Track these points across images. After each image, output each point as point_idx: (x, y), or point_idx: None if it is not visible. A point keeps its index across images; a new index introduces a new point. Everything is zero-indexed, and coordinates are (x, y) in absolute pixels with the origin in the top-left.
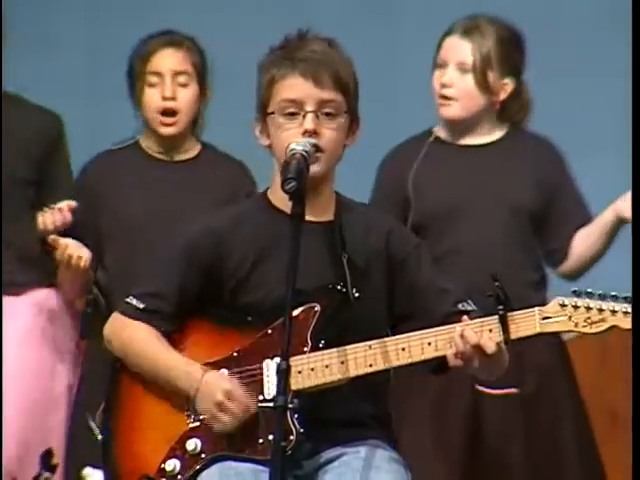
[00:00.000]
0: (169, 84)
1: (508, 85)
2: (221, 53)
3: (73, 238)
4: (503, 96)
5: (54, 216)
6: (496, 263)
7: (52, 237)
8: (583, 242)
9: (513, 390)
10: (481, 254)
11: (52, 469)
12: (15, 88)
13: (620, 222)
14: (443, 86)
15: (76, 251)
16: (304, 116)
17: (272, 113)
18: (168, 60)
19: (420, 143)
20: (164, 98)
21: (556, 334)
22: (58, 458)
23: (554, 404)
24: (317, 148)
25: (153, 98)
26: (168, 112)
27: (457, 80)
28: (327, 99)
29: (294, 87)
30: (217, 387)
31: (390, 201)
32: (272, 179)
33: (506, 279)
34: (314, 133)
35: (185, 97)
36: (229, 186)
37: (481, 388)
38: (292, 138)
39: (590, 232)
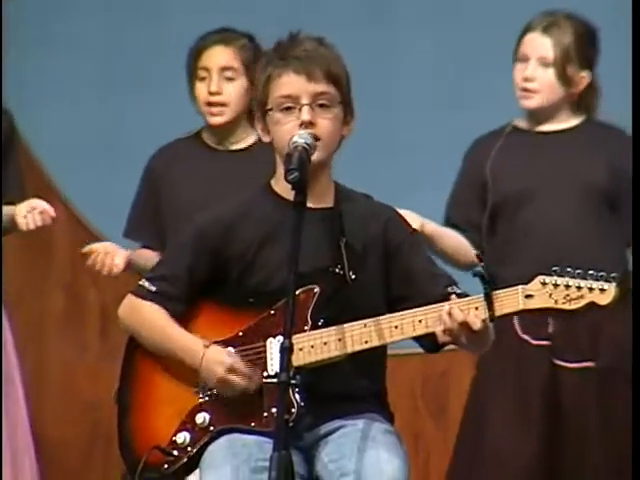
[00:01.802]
0: (215, 79)
1: (585, 78)
2: None
3: (145, 225)
4: (580, 88)
5: (35, 217)
6: (570, 241)
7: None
8: None
9: (589, 364)
10: (554, 232)
11: None
12: (28, 88)
13: None
14: (526, 80)
15: (110, 258)
16: (300, 109)
17: (270, 110)
18: (216, 57)
19: (499, 134)
20: (210, 92)
21: (542, 310)
22: None
23: (628, 379)
24: (315, 137)
25: (202, 92)
26: (214, 104)
27: (539, 74)
28: (320, 92)
29: (289, 83)
30: (218, 363)
31: (471, 187)
32: (275, 170)
33: (583, 254)
34: (310, 124)
35: (231, 90)
36: None
37: (559, 362)
38: (291, 131)
39: None
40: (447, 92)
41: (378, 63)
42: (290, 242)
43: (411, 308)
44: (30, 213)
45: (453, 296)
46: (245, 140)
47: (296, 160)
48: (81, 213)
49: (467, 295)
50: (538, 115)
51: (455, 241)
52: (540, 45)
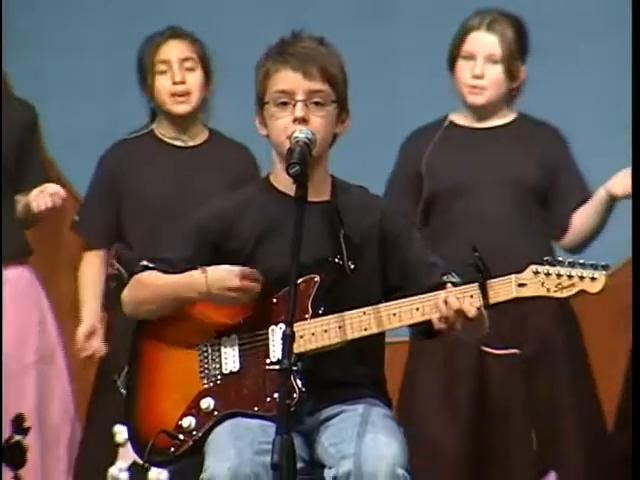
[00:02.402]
0: (177, 70)
1: (524, 72)
2: (228, 51)
3: (95, 223)
4: (520, 83)
5: (45, 199)
6: (499, 234)
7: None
8: (581, 218)
9: (514, 351)
10: (485, 226)
11: (24, 432)
12: (36, 87)
13: (612, 199)
14: (475, 77)
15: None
16: (294, 105)
17: (267, 103)
18: (174, 49)
19: (436, 128)
20: (174, 83)
21: (533, 298)
22: (30, 422)
23: (552, 368)
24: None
25: (164, 84)
26: (179, 94)
27: (487, 71)
28: (315, 89)
29: (285, 79)
30: (227, 277)
31: (407, 179)
32: (273, 165)
33: (509, 248)
34: (303, 120)
35: (193, 79)
36: (237, 168)
37: (486, 348)
38: (285, 125)
39: (586, 209)
40: (447, 89)
41: (379, 61)
42: (292, 234)
43: (408, 296)
44: (40, 195)
45: (449, 285)
46: (200, 136)
47: (297, 154)
48: None
49: (463, 284)
50: (482, 111)
51: None
52: (487, 43)
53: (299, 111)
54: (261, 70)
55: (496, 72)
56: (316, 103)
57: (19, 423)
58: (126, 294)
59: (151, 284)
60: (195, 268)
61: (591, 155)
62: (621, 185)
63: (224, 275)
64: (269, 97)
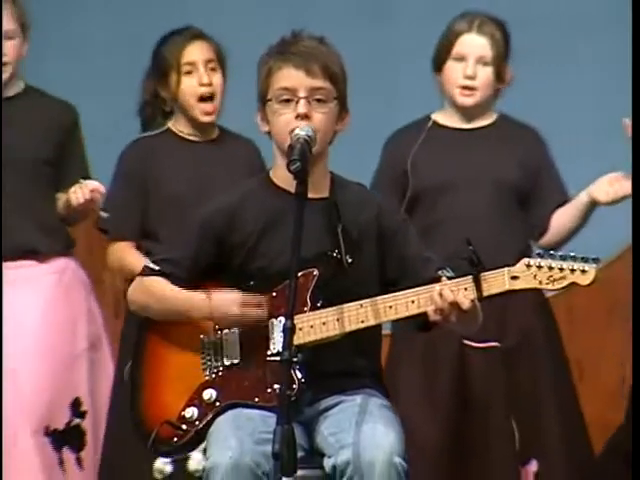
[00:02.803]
0: (203, 71)
1: (509, 74)
2: (228, 50)
3: (125, 220)
4: (505, 84)
5: (84, 191)
6: (481, 232)
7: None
8: (560, 220)
9: (494, 344)
10: (467, 224)
11: (81, 415)
12: (50, 82)
13: (593, 204)
14: (467, 78)
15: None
16: (297, 102)
17: (269, 100)
18: (198, 51)
19: (419, 127)
20: (201, 84)
21: (525, 291)
22: (86, 406)
23: (533, 360)
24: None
25: (190, 85)
26: (205, 97)
27: (478, 72)
28: (317, 87)
29: (288, 77)
30: (229, 303)
31: (391, 177)
32: (273, 161)
33: (490, 246)
34: (306, 117)
35: (218, 81)
36: (247, 160)
37: (466, 341)
38: (288, 122)
39: (566, 211)
40: None
41: (379, 61)
42: (293, 230)
43: (404, 290)
44: (80, 189)
45: (444, 279)
46: (214, 132)
47: (298, 151)
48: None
49: (457, 277)
50: (471, 112)
51: None
52: (479, 45)
53: (302, 108)
54: (263, 68)
55: (486, 74)
56: (318, 100)
57: (77, 407)
58: (131, 294)
59: (157, 293)
60: (199, 265)
61: (591, 155)
62: (604, 192)
63: (226, 303)
64: (272, 94)
